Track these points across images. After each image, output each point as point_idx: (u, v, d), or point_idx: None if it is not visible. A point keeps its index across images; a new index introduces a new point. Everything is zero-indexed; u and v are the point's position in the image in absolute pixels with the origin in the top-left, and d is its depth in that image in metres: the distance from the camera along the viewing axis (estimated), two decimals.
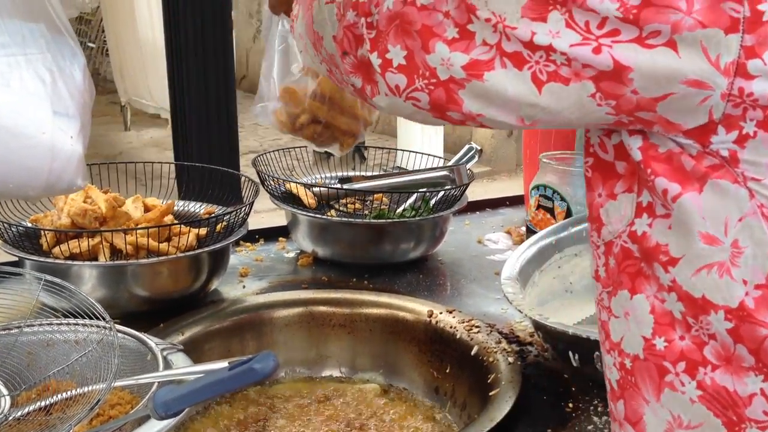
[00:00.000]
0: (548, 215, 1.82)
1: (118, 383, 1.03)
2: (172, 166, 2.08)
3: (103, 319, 1.08)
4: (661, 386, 0.77)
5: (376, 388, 1.60)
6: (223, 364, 1.06)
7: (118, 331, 1.13)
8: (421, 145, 6.95)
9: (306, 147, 2.13)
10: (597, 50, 0.68)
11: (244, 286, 1.76)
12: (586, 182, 0.84)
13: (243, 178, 1.85)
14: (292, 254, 1.99)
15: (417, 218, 1.84)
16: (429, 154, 2.22)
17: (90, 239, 1.52)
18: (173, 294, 1.59)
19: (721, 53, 0.66)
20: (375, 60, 0.80)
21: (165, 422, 0.94)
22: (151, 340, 1.15)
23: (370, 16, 0.81)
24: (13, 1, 0.76)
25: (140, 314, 1.52)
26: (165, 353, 1.12)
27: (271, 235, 2.08)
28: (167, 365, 1.09)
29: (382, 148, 2.36)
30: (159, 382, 1.04)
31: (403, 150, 2.35)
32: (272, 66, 1.47)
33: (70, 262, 1.49)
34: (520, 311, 1.37)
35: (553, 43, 0.69)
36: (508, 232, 2.17)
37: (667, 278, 0.75)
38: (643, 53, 0.67)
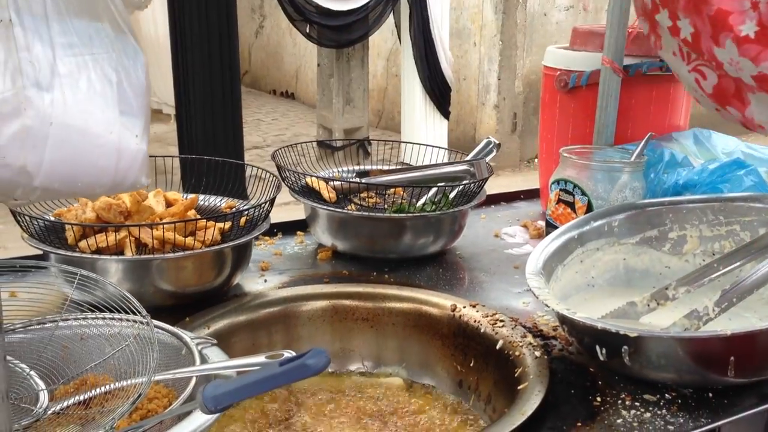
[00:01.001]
0: (569, 209, 1.82)
1: (157, 377, 1.03)
2: (176, 161, 2.06)
3: (140, 313, 1.09)
4: None
5: (400, 382, 1.61)
6: (260, 358, 1.07)
7: (147, 324, 1.13)
8: (425, 139, 6.96)
9: (312, 143, 2.13)
10: None
11: (265, 281, 1.77)
12: None
13: (257, 170, 1.84)
14: (310, 248, 1.99)
15: (437, 212, 1.84)
16: (433, 146, 2.23)
17: (116, 233, 1.52)
18: (197, 288, 1.59)
19: None
20: (664, 19, 0.65)
21: (206, 418, 0.95)
22: (186, 335, 1.15)
23: None
24: (79, 1, 0.77)
25: (165, 308, 1.52)
26: (200, 347, 1.12)
27: (288, 229, 2.09)
28: (203, 359, 1.10)
29: (386, 141, 2.37)
30: (197, 377, 1.04)
31: (407, 142, 2.36)
32: None
33: (96, 256, 1.50)
34: (547, 306, 1.37)
35: None
36: (525, 226, 2.17)
37: None
38: None
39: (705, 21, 0.61)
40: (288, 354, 1.04)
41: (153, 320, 1.13)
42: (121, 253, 1.53)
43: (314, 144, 2.23)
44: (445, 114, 7.36)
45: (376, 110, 9.58)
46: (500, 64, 7.75)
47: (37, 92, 0.75)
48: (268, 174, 1.77)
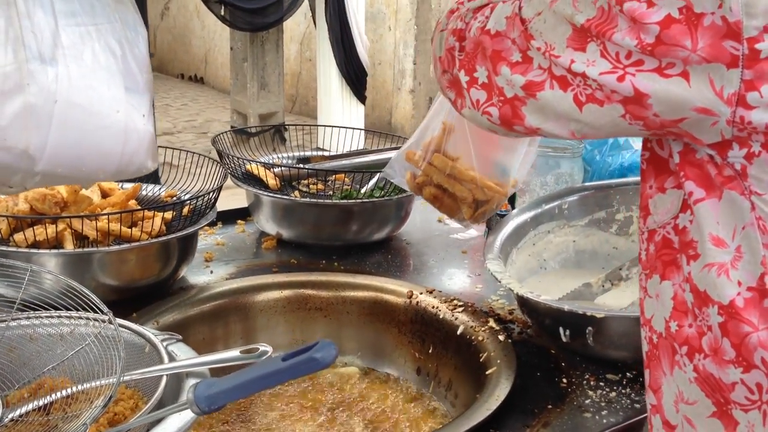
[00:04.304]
0: None
1: (125, 377, 0.97)
2: None
3: (101, 311, 1.02)
4: (673, 363, 0.86)
5: (356, 371, 1.58)
6: (234, 353, 1.02)
7: (109, 322, 1.06)
8: (342, 124, 6.90)
9: (227, 132, 2.05)
10: (621, 78, 0.77)
11: (211, 272, 1.70)
12: (641, 173, 0.92)
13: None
14: (253, 237, 1.93)
15: (385, 198, 1.82)
16: (351, 128, 2.22)
17: (53, 225, 1.43)
18: (143, 282, 1.52)
19: (724, 85, 0.73)
20: (462, 77, 0.95)
21: (184, 420, 0.90)
22: (149, 331, 1.09)
23: (464, 40, 0.96)
24: None
25: (108, 304, 1.43)
26: (165, 344, 1.06)
27: (228, 217, 2.02)
28: (171, 357, 1.04)
29: (304, 126, 2.33)
30: (167, 375, 0.99)
31: (325, 126, 2.32)
32: (415, 134, 1.51)
33: (33, 250, 1.40)
34: (511, 290, 1.37)
35: (587, 70, 0.79)
36: None
37: (687, 270, 0.83)
38: (660, 82, 0.75)
39: (488, 61, 0.90)
40: (263, 348, 0.99)
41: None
42: (58, 246, 1.44)
43: (228, 133, 2.15)
44: (362, 99, 7.32)
45: (290, 95, 9.45)
46: (416, 48, 7.77)
47: (40, 66, 0.67)
48: (207, 160, 1.70)
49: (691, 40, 0.73)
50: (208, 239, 1.90)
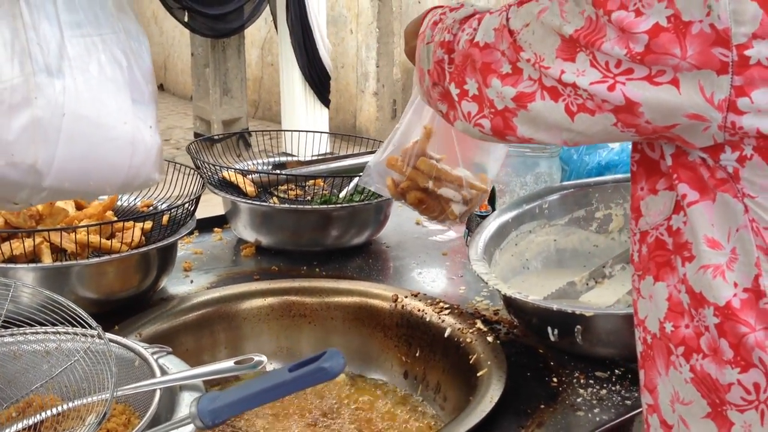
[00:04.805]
0: None
1: (118, 392, 0.95)
2: None
3: (89, 325, 0.99)
4: (668, 364, 0.87)
5: (343, 376, 1.57)
6: (229, 363, 1.00)
7: (99, 336, 1.03)
8: (306, 128, 6.86)
9: (199, 139, 2.03)
10: (611, 88, 0.78)
11: (191, 281, 1.68)
12: (631, 175, 0.92)
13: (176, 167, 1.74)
14: (231, 245, 1.91)
15: (364, 202, 1.81)
16: (317, 131, 2.23)
17: (29, 239, 1.39)
18: (122, 294, 1.49)
19: (714, 91, 0.74)
20: (453, 90, 0.95)
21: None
22: (139, 345, 1.07)
23: (453, 53, 0.96)
24: None
25: None
26: (155, 357, 1.04)
27: (205, 226, 1.99)
28: (163, 371, 1.01)
29: (268, 130, 2.31)
30: (161, 389, 0.97)
31: (290, 131, 2.32)
32: (390, 139, 1.52)
33: (10, 265, 1.36)
34: (498, 290, 1.37)
35: (577, 81, 0.80)
36: None
37: (682, 272, 0.83)
38: (650, 90, 0.76)
39: (478, 73, 0.90)
40: (258, 358, 0.98)
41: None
42: (35, 260, 1.40)
43: (201, 139, 2.13)
44: (325, 102, 7.29)
45: (253, 100, 9.39)
46: (378, 51, 7.77)
47: (47, 78, 0.65)
48: (170, 167, 1.66)
49: (680, 48, 0.73)
50: (185, 248, 1.87)
